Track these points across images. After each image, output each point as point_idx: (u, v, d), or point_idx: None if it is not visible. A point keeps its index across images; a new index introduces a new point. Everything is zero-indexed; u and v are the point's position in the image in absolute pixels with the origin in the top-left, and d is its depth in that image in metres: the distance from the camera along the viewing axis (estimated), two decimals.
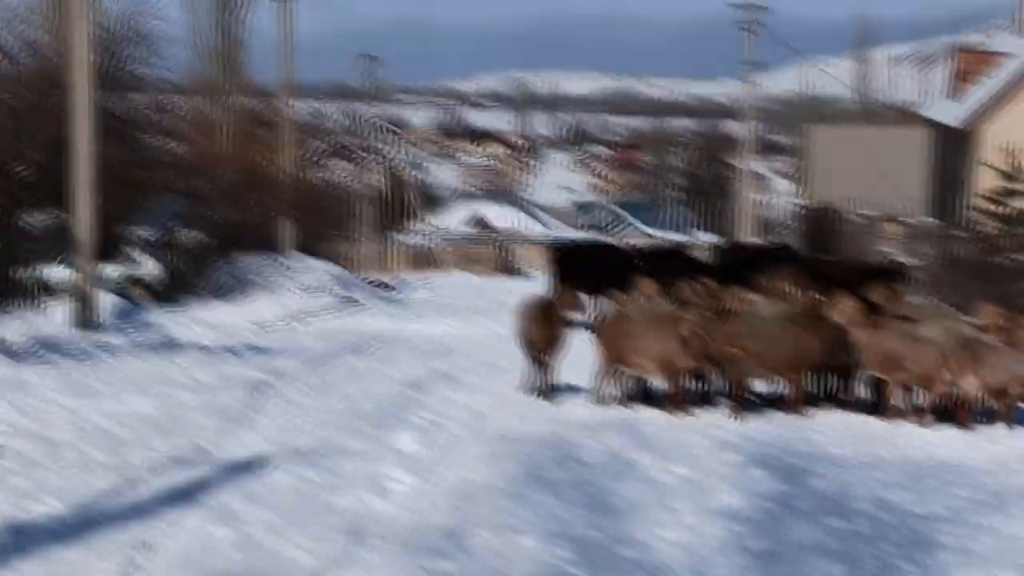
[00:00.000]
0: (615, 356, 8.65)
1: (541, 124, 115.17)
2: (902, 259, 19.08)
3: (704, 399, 8.91)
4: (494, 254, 40.36)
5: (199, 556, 4.95)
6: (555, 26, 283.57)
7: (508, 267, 38.54)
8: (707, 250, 18.10)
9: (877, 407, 8.65)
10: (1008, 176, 23.72)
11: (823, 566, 5.08)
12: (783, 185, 61.73)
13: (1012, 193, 23.63)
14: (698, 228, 58.67)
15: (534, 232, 47.66)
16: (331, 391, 9.37)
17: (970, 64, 31.12)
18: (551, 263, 16.70)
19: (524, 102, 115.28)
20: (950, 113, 30.39)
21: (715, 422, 8.35)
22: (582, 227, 51.93)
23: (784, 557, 5.22)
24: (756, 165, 43.78)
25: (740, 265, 15.14)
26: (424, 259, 36.30)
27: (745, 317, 8.73)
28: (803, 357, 8.54)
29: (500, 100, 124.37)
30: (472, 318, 16.22)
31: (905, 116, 47.03)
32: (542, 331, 8.96)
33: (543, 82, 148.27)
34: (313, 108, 34.20)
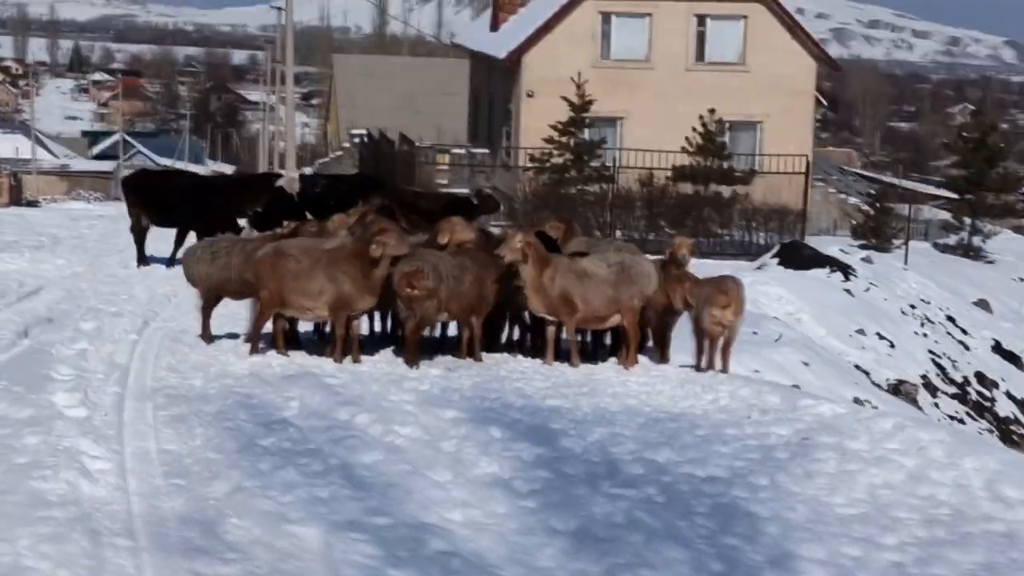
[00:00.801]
0: (277, 298, 7.92)
1: (40, 50, 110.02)
2: (489, 190, 18.13)
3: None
4: (5, 184, 37.91)
5: None
6: None
7: (18, 197, 37.16)
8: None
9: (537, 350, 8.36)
10: (576, 106, 23.81)
11: (660, 548, 4.33)
12: (301, 117, 61.72)
13: (577, 123, 23.93)
14: (212, 158, 57.55)
15: (44, 161, 45.20)
16: None
17: None
18: (128, 195, 15.85)
19: (20, 27, 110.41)
20: (491, 44, 30.04)
21: (394, 371, 7.67)
22: (94, 157, 50.28)
23: (607, 538, 4.46)
24: (272, 95, 41.40)
25: (326, 196, 15.35)
26: None
27: (419, 256, 7.81)
28: (484, 299, 8.11)
29: None
30: (36, 254, 14.74)
31: (444, 47, 48.04)
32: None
33: (40, 6, 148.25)
34: None
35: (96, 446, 5.38)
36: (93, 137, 60.69)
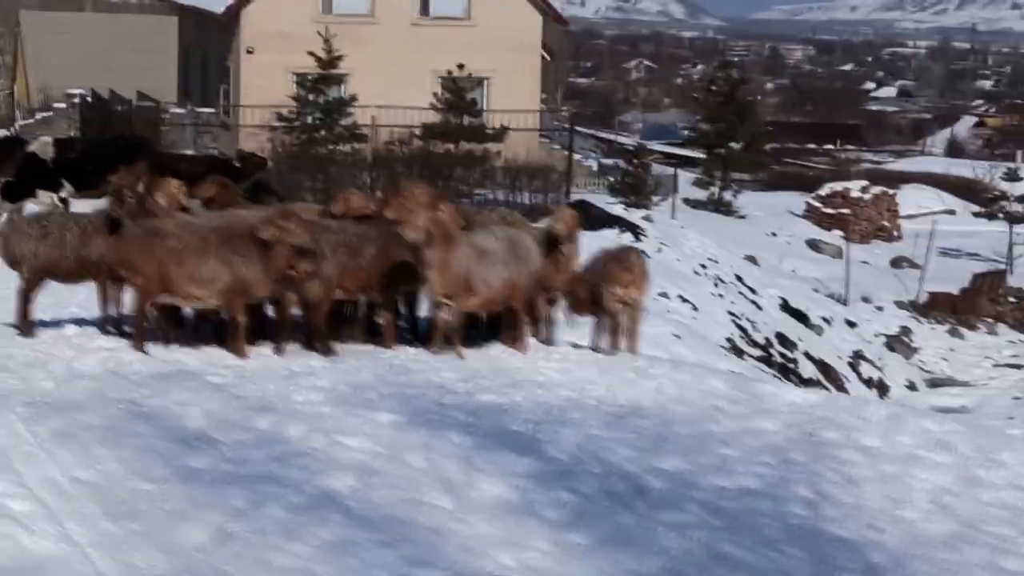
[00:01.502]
0: (158, 284, 7.25)
1: None
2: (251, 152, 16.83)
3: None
4: None
5: None
6: None
7: None
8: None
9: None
10: (324, 62, 22.61)
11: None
12: None
13: (326, 80, 22.83)
14: None
15: None
16: None
17: None
18: None
19: None
20: None
21: (268, 365, 6.93)
22: None
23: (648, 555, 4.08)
24: None
25: (84, 161, 14.94)
26: None
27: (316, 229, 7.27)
28: (386, 277, 7.59)
29: None
30: None
31: (143, 3, 44.86)
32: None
33: None
34: None
35: None
36: None
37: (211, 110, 28.35)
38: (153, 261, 7.12)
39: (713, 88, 27.00)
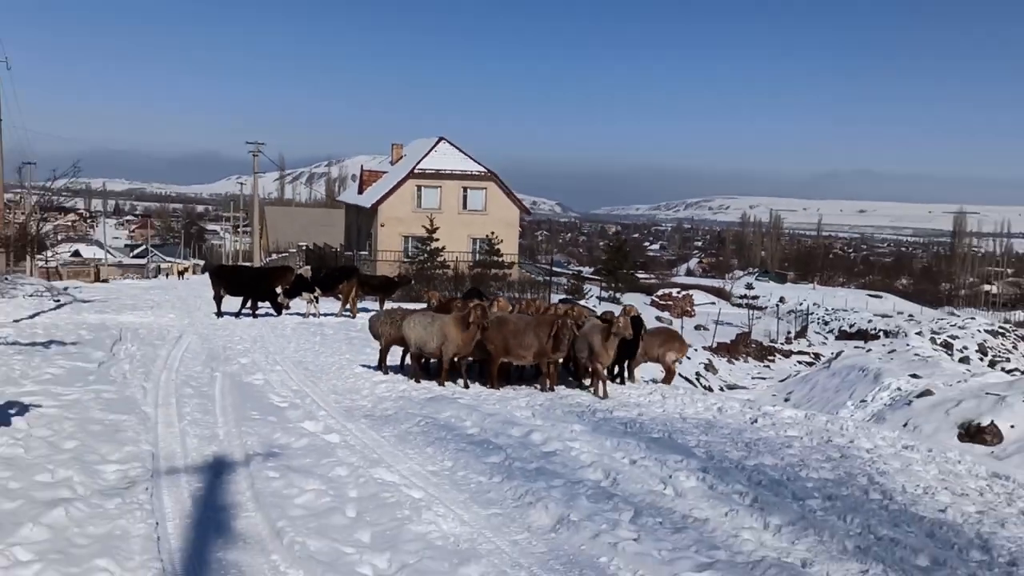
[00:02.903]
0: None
1: (97, 205, 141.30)
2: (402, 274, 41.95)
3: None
4: (93, 270, 60.88)
5: None
6: None
7: (98, 277, 55.84)
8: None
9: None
10: (429, 231, 48.77)
11: None
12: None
13: (431, 239, 48.89)
14: (185, 258, 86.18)
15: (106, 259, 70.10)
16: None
17: (368, 176, 56.58)
18: (212, 276, 24.16)
19: (87, 193, 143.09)
20: (363, 200, 55.03)
21: (477, 391, 12.43)
22: (132, 256, 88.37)
23: None
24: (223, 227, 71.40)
25: (326, 278, 24.88)
26: None
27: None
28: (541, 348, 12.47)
29: None
30: (154, 311, 22.80)
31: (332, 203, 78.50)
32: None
33: (97, 182, 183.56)
34: None
35: (388, 471, 7.71)
36: (131, 247, 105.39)
37: (364, 252, 54.37)
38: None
39: (610, 244, 56.42)
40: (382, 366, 14.21)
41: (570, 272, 59.27)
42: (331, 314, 24.57)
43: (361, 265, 48.67)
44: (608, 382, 12.55)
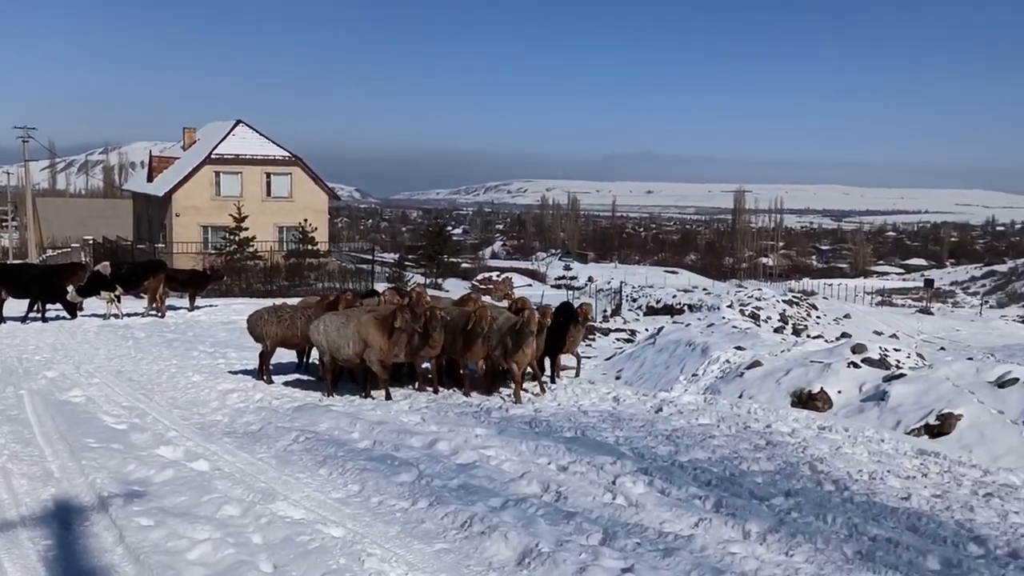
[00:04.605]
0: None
1: None
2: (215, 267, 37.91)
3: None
4: None
5: None
6: None
7: None
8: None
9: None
10: (237, 220, 45.76)
11: None
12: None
13: (239, 228, 45.89)
14: None
15: None
16: None
17: (158, 163, 52.15)
18: None
19: None
20: (154, 188, 50.67)
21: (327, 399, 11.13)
22: None
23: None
24: None
25: (127, 274, 22.46)
26: None
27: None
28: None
29: None
30: None
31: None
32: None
33: None
34: None
35: (290, 505, 6.54)
36: None
37: (161, 245, 49.85)
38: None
39: (430, 229, 55.15)
40: (264, 373, 12.56)
41: (392, 260, 57.51)
42: (135, 314, 22.50)
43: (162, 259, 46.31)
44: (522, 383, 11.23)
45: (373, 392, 11.28)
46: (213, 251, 45.91)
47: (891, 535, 5.95)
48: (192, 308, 24.20)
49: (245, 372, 13.45)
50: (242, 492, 7.00)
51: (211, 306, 25.43)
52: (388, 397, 10.95)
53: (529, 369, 11.28)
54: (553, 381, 11.97)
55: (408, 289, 14.04)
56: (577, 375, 12.48)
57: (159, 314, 22.51)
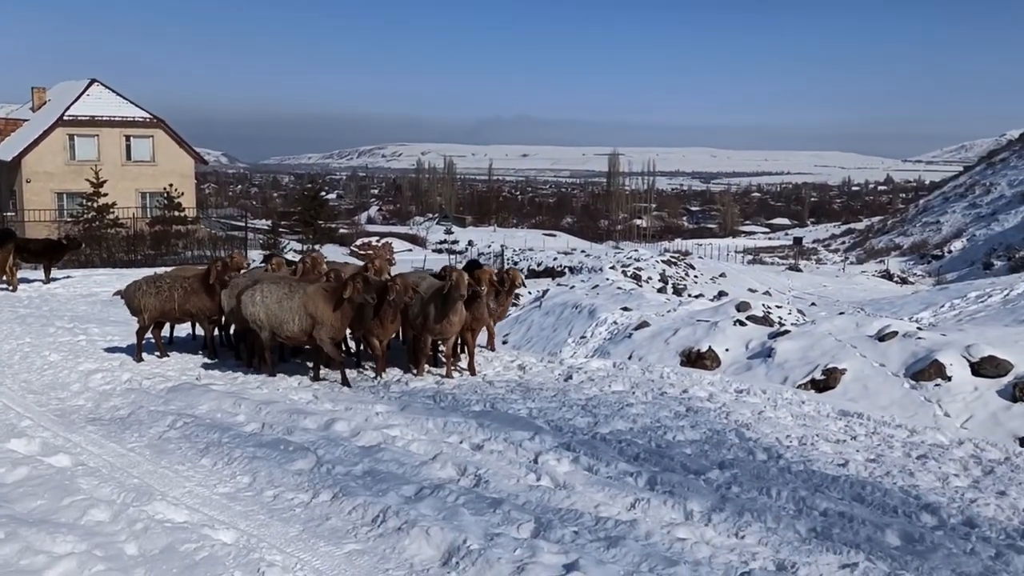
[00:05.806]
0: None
1: None
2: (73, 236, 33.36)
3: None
4: None
5: None
6: None
7: None
8: None
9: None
10: (95, 185, 42.73)
11: None
12: None
13: (97, 194, 42.88)
14: None
15: None
16: None
17: (4, 125, 48.09)
18: None
19: None
20: (1, 152, 46.75)
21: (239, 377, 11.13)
22: None
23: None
24: None
25: None
26: None
27: None
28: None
29: None
30: None
31: None
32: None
33: None
34: None
35: (169, 505, 5.64)
36: None
37: (11, 213, 46.27)
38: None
39: (305, 194, 53.02)
40: (140, 350, 11.23)
41: (265, 227, 54.97)
42: None
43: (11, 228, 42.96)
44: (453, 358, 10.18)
45: (323, 374, 10.16)
46: (69, 219, 42.85)
47: (842, 508, 5.54)
48: (48, 280, 22.33)
49: (110, 350, 12.16)
50: (111, 491, 6.02)
51: (68, 277, 23.50)
52: (346, 383, 9.69)
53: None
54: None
55: (304, 255, 12.67)
56: (493, 348, 11.41)
57: (11, 287, 20.61)
